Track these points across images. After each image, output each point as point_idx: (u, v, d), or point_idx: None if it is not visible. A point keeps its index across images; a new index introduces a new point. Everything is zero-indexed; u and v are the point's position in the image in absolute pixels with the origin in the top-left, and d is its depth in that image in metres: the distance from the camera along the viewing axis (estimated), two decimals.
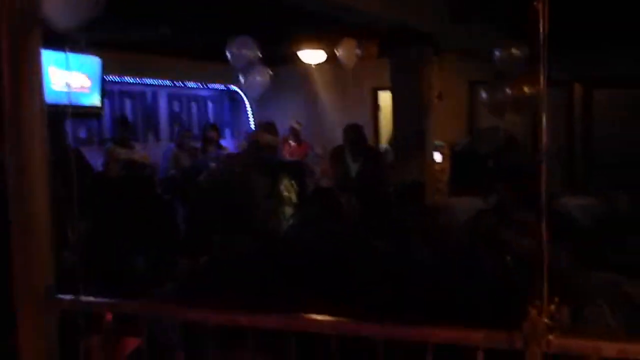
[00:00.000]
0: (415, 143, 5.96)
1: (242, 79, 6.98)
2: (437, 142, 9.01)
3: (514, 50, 6.23)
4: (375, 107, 10.65)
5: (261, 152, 5.44)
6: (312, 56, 9.84)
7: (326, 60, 9.80)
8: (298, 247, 3.25)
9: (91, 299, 2.43)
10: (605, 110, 8.93)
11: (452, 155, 8.71)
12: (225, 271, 2.92)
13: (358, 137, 6.36)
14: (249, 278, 2.71)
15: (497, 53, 6.36)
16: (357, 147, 6.21)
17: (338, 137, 10.46)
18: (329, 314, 2.12)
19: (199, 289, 2.86)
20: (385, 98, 10.74)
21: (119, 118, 8.29)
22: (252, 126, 11.07)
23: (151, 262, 6.33)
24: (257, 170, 8.54)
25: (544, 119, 1.81)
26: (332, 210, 4.17)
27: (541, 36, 1.76)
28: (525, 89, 6.14)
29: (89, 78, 7.77)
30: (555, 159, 7.95)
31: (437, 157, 8.52)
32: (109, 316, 2.41)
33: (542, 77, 1.79)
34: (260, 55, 6.75)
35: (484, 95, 6.69)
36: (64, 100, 7.12)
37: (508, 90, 6.35)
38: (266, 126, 6.12)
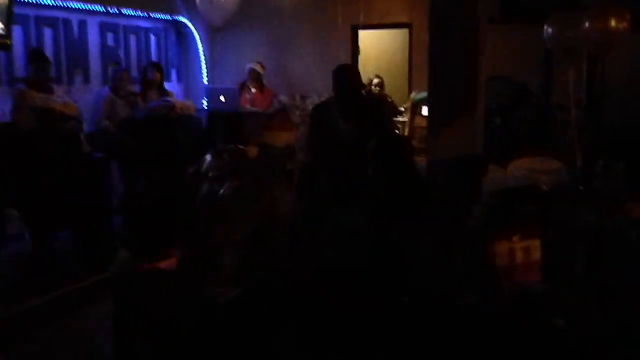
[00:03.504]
0: (462, 98, 4.24)
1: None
2: None
3: None
4: (355, 48, 8.93)
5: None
6: None
7: None
8: None
9: None
10: None
11: None
12: None
13: (355, 86, 4.51)
14: None
15: None
16: (354, 102, 4.40)
17: (309, 84, 9.06)
18: None
19: None
20: (365, 38, 9.08)
21: (32, 52, 6.31)
22: (204, 66, 9.23)
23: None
24: None
25: None
26: None
27: None
28: (613, 23, 4.53)
29: None
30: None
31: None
32: None
33: None
34: None
35: (550, 31, 5.04)
36: None
37: (587, 24, 4.70)
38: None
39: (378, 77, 8.86)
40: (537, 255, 2.87)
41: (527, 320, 2.60)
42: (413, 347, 2.70)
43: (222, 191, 3.05)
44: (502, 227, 3.14)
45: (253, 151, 3.24)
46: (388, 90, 8.94)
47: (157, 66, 7.52)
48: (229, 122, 7.27)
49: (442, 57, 4.31)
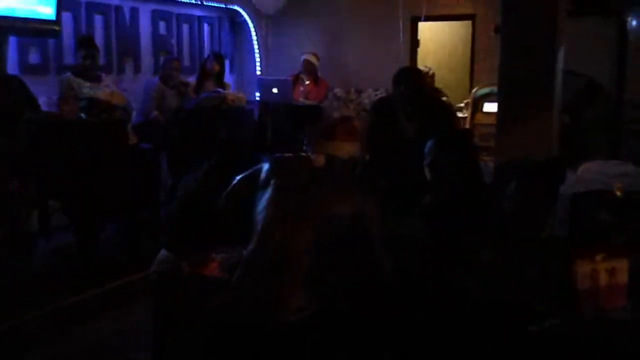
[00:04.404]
0: (537, 93, 3.85)
1: None
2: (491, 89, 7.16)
3: None
4: (414, 41, 8.54)
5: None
6: None
7: None
8: None
9: None
10: None
11: None
12: None
13: (418, 87, 4.36)
14: None
15: None
16: (418, 101, 4.21)
17: (364, 77, 8.74)
18: None
19: None
20: (425, 30, 8.69)
21: (81, 39, 6.11)
22: (257, 56, 8.98)
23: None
24: None
25: None
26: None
27: None
28: None
29: None
30: None
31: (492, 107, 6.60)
32: None
33: None
34: None
35: (634, 23, 4.59)
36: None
37: None
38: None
39: (426, 67, 8.45)
40: (623, 277, 2.49)
41: (610, 350, 2.24)
42: None
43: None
44: (583, 243, 2.79)
45: (319, 160, 2.93)
46: (448, 86, 8.52)
47: (217, 57, 7.33)
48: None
49: (515, 47, 3.92)
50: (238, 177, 3.11)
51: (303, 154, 3.05)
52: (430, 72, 8.20)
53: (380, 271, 2.76)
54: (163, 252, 3.31)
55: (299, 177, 2.86)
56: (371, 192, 2.90)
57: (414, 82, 4.40)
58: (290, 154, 3.04)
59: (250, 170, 3.07)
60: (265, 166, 3.00)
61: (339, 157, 2.95)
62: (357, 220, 2.74)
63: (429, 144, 3.30)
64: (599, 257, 2.44)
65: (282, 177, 2.88)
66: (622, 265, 2.48)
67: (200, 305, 2.96)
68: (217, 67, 7.12)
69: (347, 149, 2.98)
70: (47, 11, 5.55)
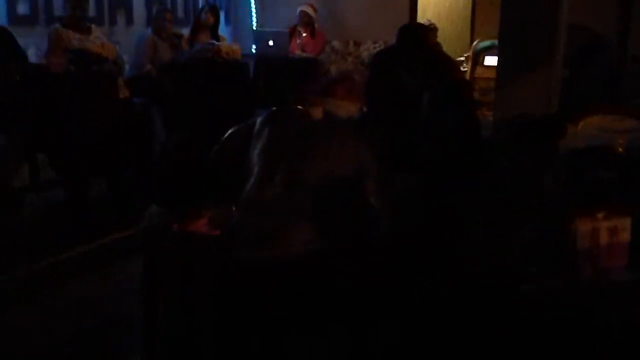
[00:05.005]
0: (538, 46, 3.70)
1: None
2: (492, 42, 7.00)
3: None
4: None
5: None
6: None
7: None
8: None
9: None
10: None
11: None
12: None
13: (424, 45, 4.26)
14: None
15: None
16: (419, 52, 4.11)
17: (363, 30, 8.53)
18: None
19: None
20: None
21: None
22: (253, 8, 8.77)
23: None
24: None
25: None
26: None
27: None
28: None
29: None
30: None
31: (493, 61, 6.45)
32: None
33: None
34: None
35: None
36: None
37: None
38: None
39: (428, 21, 8.25)
40: (625, 236, 2.41)
41: (609, 313, 2.17)
42: (462, 328, 2.33)
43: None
44: (582, 200, 2.71)
45: (317, 112, 2.82)
46: (448, 38, 8.35)
47: (212, 8, 7.13)
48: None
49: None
50: (231, 130, 3.02)
51: (300, 107, 2.96)
52: (433, 26, 8.03)
53: (376, 225, 2.70)
54: (153, 207, 3.24)
55: (296, 127, 2.77)
56: (369, 145, 2.81)
57: (419, 39, 4.32)
58: (286, 106, 2.96)
59: (243, 124, 2.98)
60: (260, 118, 2.91)
61: (337, 115, 2.86)
62: (355, 171, 2.67)
63: (426, 96, 3.20)
64: (600, 215, 2.36)
65: (278, 125, 2.79)
66: (625, 224, 2.40)
67: (188, 263, 2.90)
68: (211, 19, 6.94)
69: (346, 109, 2.89)
70: None
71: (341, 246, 2.57)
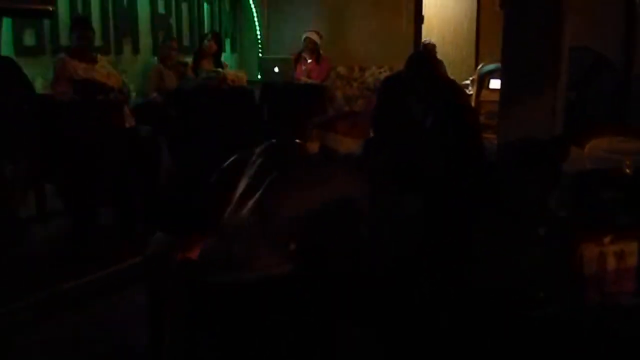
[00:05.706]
0: (542, 69, 3.71)
1: None
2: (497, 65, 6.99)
3: None
4: (418, 16, 8.35)
5: None
6: None
7: None
8: None
9: None
10: None
11: None
12: None
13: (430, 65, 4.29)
14: None
15: None
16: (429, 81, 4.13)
17: (368, 55, 8.57)
18: None
19: None
20: (429, 5, 8.53)
21: (75, 19, 5.98)
22: (259, 36, 8.83)
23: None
24: None
25: None
26: None
27: None
28: None
29: None
30: None
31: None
32: None
33: None
34: None
35: None
36: None
37: None
38: None
39: (427, 38, 8.28)
40: (632, 260, 2.38)
41: (615, 337, 2.14)
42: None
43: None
44: (588, 225, 2.68)
45: (313, 147, 2.82)
46: (452, 62, 8.36)
47: (215, 36, 7.25)
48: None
49: (519, 21, 3.77)
50: (232, 157, 3.03)
51: (298, 140, 2.95)
52: (431, 43, 8.04)
53: (367, 257, 2.68)
54: (159, 235, 3.23)
55: (286, 160, 2.77)
56: (366, 182, 2.79)
57: (428, 69, 4.35)
58: (284, 139, 2.96)
59: (246, 150, 3.00)
60: (258, 148, 2.92)
61: (335, 151, 2.86)
62: (341, 207, 2.64)
63: (429, 119, 3.20)
64: (606, 240, 2.33)
65: (270, 157, 2.80)
66: (632, 248, 2.37)
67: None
68: (214, 47, 7.03)
69: (346, 144, 2.89)
70: None
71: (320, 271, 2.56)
